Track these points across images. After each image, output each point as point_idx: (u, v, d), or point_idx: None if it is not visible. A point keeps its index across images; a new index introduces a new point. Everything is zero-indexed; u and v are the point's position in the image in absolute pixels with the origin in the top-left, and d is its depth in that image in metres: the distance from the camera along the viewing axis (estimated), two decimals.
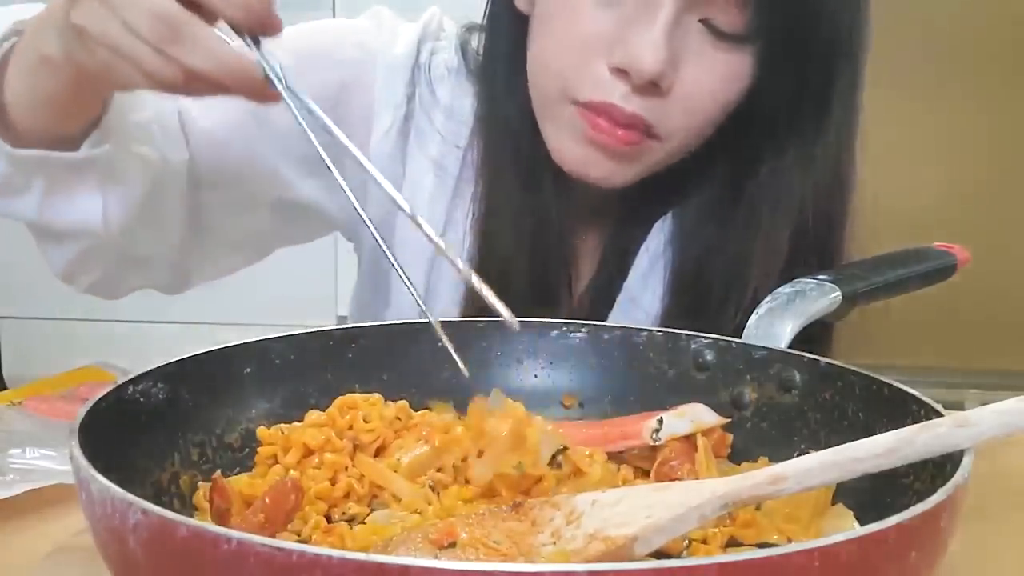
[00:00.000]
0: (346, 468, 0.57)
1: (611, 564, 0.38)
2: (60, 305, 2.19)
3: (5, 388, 1.94)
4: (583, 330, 0.68)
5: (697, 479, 0.56)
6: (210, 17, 0.57)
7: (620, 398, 0.66)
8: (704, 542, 0.52)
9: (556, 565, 0.41)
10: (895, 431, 0.46)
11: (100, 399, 0.51)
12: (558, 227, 0.87)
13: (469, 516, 0.51)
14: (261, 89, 0.57)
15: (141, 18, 0.55)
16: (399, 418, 0.60)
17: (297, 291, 2.06)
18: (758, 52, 0.77)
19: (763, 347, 0.64)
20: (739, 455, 0.62)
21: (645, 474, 0.60)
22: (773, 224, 0.83)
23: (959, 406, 0.56)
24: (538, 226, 0.87)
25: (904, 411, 0.54)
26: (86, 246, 0.79)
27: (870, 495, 0.53)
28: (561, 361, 0.68)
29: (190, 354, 0.58)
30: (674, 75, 0.75)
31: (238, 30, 0.57)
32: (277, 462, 0.58)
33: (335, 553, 0.35)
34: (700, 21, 0.75)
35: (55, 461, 0.63)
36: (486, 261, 0.87)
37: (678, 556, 0.50)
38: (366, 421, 0.59)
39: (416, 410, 0.63)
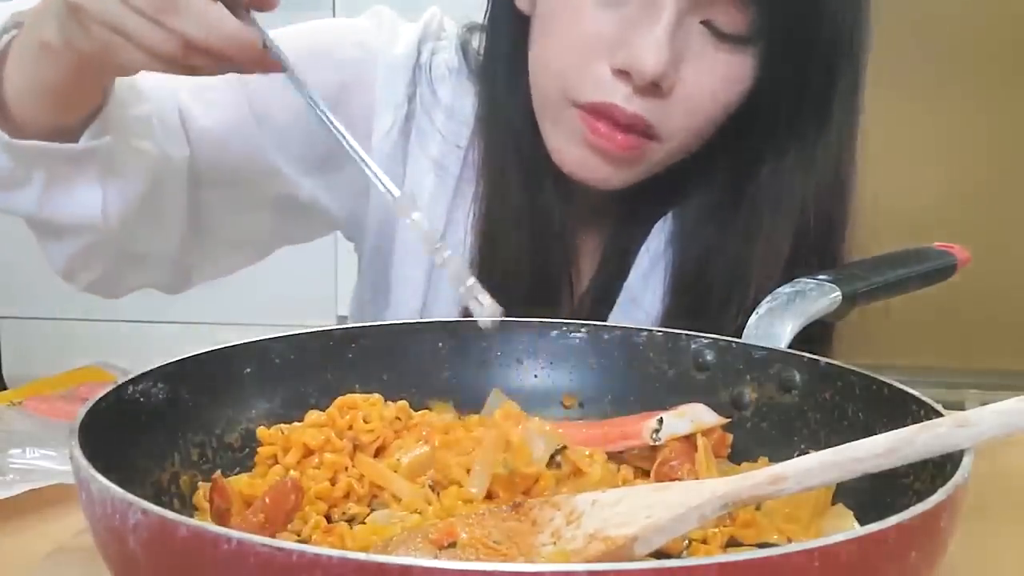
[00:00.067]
0: (346, 468, 0.57)
1: (611, 564, 0.38)
2: (60, 305, 2.19)
3: (5, 388, 1.94)
4: (583, 330, 0.68)
5: (697, 479, 0.56)
6: None
7: (620, 398, 0.66)
8: (704, 542, 0.52)
9: (556, 565, 0.42)
10: (895, 431, 0.46)
11: (100, 399, 0.51)
12: (559, 227, 0.88)
13: (469, 516, 0.51)
14: (260, 58, 0.57)
15: None
16: (399, 418, 0.60)
17: (297, 291, 2.06)
18: (759, 53, 0.77)
19: (763, 347, 0.64)
20: (739, 455, 0.62)
21: (645, 474, 0.60)
22: (774, 225, 0.83)
23: (959, 406, 0.56)
24: (539, 226, 0.87)
25: (904, 411, 0.54)
26: (86, 242, 0.79)
27: (870, 495, 0.53)
28: (561, 361, 0.68)
29: (190, 354, 0.58)
30: (675, 76, 0.75)
31: (233, 3, 0.57)
32: (277, 462, 0.58)
33: (335, 553, 0.35)
34: (702, 22, 0.75)
35: (55, 461, 0.63)
36: (487, 261, 0.87)
37: (678, 556, 0.50)
38: (366, 421, 0.59)
39: (416, 410, 0.63)
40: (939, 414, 0.51)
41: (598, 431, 0.62)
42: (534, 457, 0.56)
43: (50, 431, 0.67)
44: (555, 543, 0.47)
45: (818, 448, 0.49)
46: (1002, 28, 2.35)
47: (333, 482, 0.56)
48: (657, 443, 0.60)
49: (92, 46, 0.61)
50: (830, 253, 0.85)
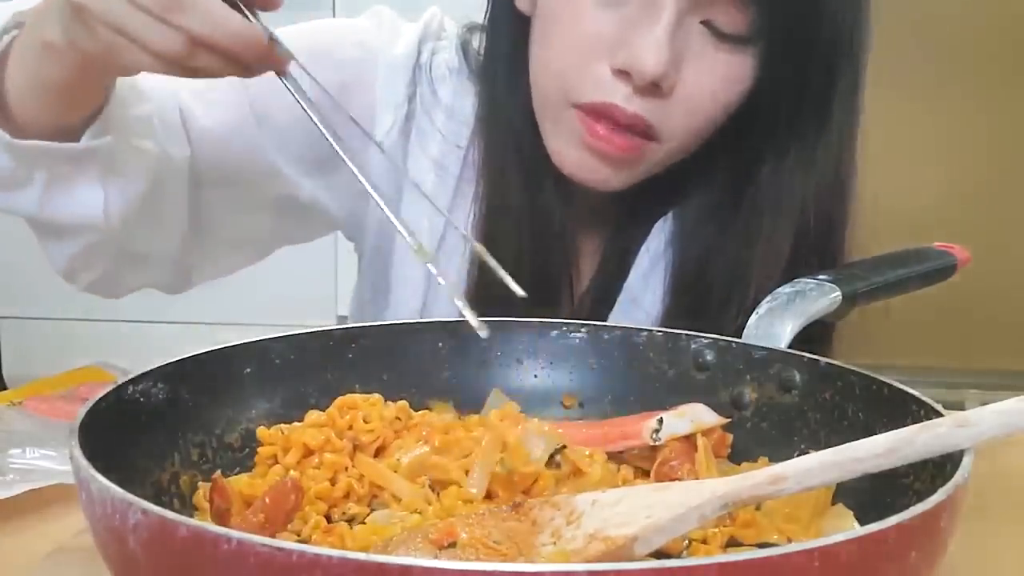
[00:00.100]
0: (346, 468, 0.57)
1: (611, 564, 0.38)
2: (60, 305, 2.19)
3: (5, 388, 1.94)
4: (583, 330, 0.68)
5: (697, 479, 0.56)
6: None
7: (620, 398, 0.66)
8: (704, 542, 0.52)
9: (556, 565, 0.41)
10: (895, 431, 0.46)
11: (100, 399, 0.51)
12: (559, 227, 0.88)
13: (469, 516, 0.51)
14: (267, 55, 0.57)
15: None
16: (399, 418, 0.60)
17: (297, 291, 2.06)
18: (759, 53, 0.77)
19: (763, 347, 0.64)
20: (739, 455, 0.62)
21: (645, 474, 0.60)
22: (774, 225, 0.83)
23: (959, 406, 0.56)
24: (539, 226, 0.87)
25: (904, 411, 0.54)
26: (87, 242, 0.79)
27: (870, 495, 0.53)
28: (561, 361, 0.68)
29: (190, 354, 0.58)
30: (676, 76, 0.75)
31: (236, 2, 0.57)
32: (277, 462, 0.58)
33: (335, 553, 0.35)
34: (702, 22, 0.75)
35: (55, 461, 0.63)
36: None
37: (678, 556, 0.50)
38: (366, 421, 0.59)
39: (416, 410, 0.63)
40: (939, 414, 0.51)
41: (598, 431, 0.62)
42: (533, 457, 0.56)
43: (50, 431, 0.67)
44: (555, 543, 0.47)
45: (818, 448, 0.49)
46: (1002, 28, 2.35)
47: (333, 482, 0.56)
48: (657, 443, 0.60)
49: (96, 47, 0.61)
50: (830, 253, 0.85)
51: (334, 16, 2.04)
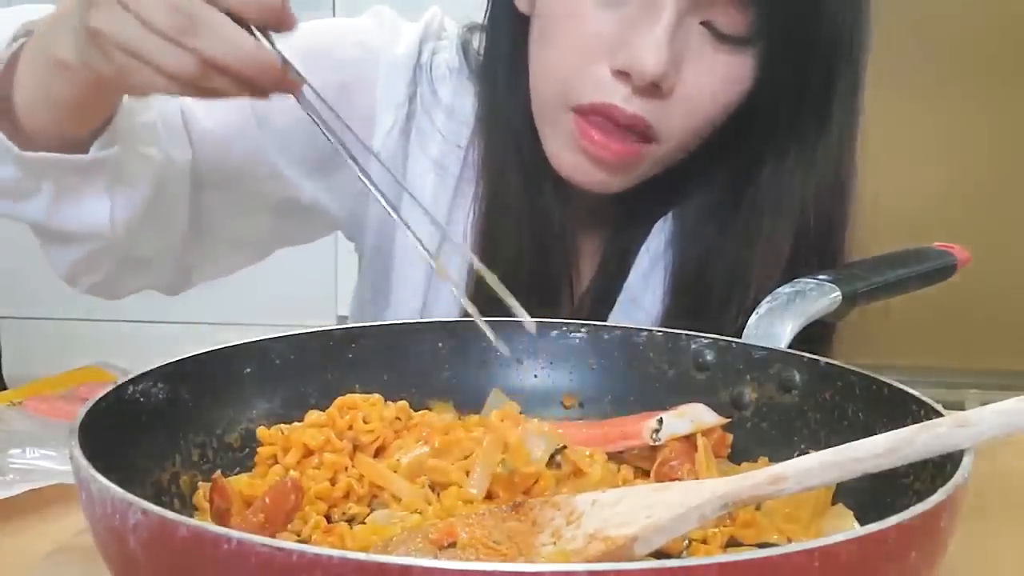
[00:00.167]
0: (346, 468, 0.57)
1: (611, 564, 0.38)
2: (60, 305, 2.19)
3: (5, 388, 1.93)
4: (583, 330, 0.68)
5: (697, 479, 0.56)
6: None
7: (620, 398, 0.66)
8: (704, 542, 0.52)
9: (556, 565, 0.41)
10: (895, 431, 0.46)
11: (100, 399, 0.51)
12: (559, 227, 0.88)
13: (469, 516, 0.51)
14: (279, 78, 0.57)
15: (156, 11, 0.54)
16: (399, 418, 0.60)
17: (297, 291, 2.06)
18: (759, 54, 0.77)
19: (763, 347, 0.64)
20: (739, 455, 0.62)
21: (645, 474, 0.60)
22: (774, 226, 0.83)
23: (959, 406, 0.56)
24: (539, 226, 0.87)
25: (904, 411, 0.54)
26: (92, 248, 0.79)
27: (870, 495, 0.53)
28: (561, 361, 0.68)
29: (190, 354, 0.58)
30: (675, 77, 0.75)
31: (251, 25, 0.57)
32: (277, 462, 0.58)
33: (335, 553, 0.35)
34: (701, 23, 0.75)
35: (55, 461, 0.63)
36: (487, 261, 0.86)
37: (678, 556, 0.50)
38: (366, 422, 0.59)
39: (416, 410, 0.63)
40: (939, 414, 0.51)
41: (598, 431, 0.62)
42: (533, 457, 0.56)
43: (50, 431, 0.67)
44: (555, 543, 0.47)
45: (818, 448, 0.49)
46: (1002, 28, 2.35)
47: (333, 482, 0.56)
48: (657, 443, 0.60)
49: (109, 68, 0.60)
50: (830, 253, 0.85)
51: (334, 16, 2.04)
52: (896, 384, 0.56)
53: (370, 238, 0.94)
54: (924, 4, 2.27)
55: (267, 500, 0.52)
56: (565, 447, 0.57)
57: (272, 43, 0.56)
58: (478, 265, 0.57)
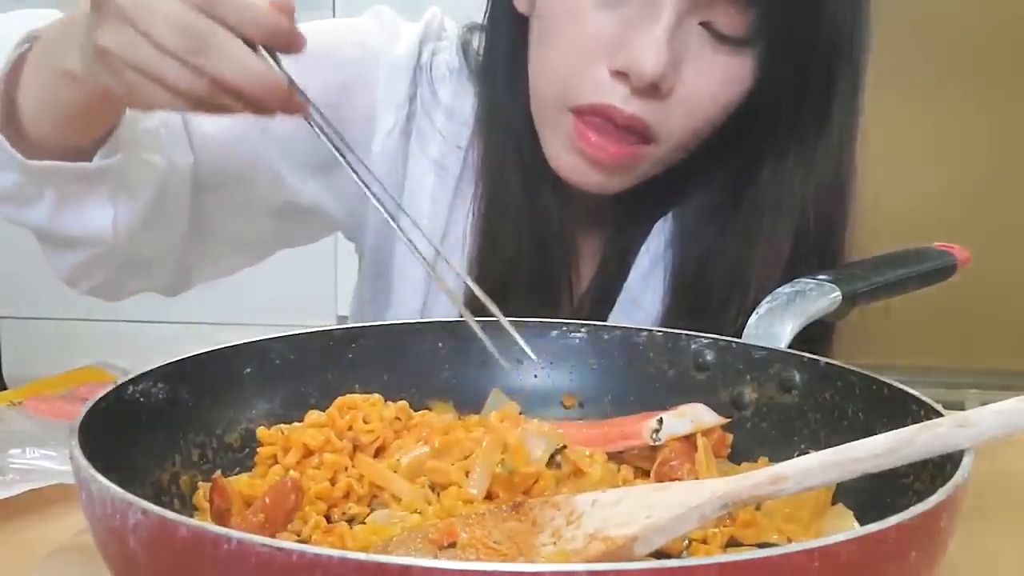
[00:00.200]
0: (346, 468, 0.57)
1: (611, 564, 0.38)
2: (60, 305, 2.19)
3: (5, 388, 1.94)
4: (583, 330, 0.68)
5: (697, 479, 0.56)
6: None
7: (620, 398, 0.66)
8: (704, 542, 0.52)
9: (556, 565, 0.42)
10: (895, 431, 0.46)
11: (100, 399, 0.51)
12: (558, 227, 0.88)
13: (469, 516, 0.51)
14: (287, 98, 0.56)
15: (166, 31, 0.54)
16: (399, 418, 0.60)
17: (297, 291, 2.06)
18: (759, 54, 0.77)
19: (763, 347, 0.64)
20: (739, 455, 0.62)
21: (645, 474, 0.60)
22: (774, 226, 0.83)
23: (959, 406, 0.56)
24: (538, 227, 0.87)
25: (904, 411, 0.54)
26: (93, 253, 0.79)
27: (870, 495, 0.53)
28: (561, 361, 0.68)
29: (190, 354, 0.58)
30: (675, 78, 0.75)
31: (258, 46, 0.56)
32: (277, 462, 0.58)
33: (335, 553, 0.35)
34: (701, 24, 0.75)
35: (55, 461, 0.63)
36: (486, 262, 0.87)
37: (678, 556, 0.50)
38: (366, 422, 0.59)
39: (416, 410, 0.63)
40: (939, 414, 0.51)
41: (598, 431, 0.62)
42: (533, 457, 0.56)
43: (50, 431, 0.67)
44: (555, 543, 0.47)
45: (818, 448, 0.49)
46: (1002, 28, 2.35)
47: (333, 482, 0.56)
48: (657, 443, 0.60)
49: (118, 84, 0.60)
50: (830, 253, 0.85)
51: (334, 16, 2.04)
52: (896, 384, 0.56)
53: (370, 239, 0.94)
54: (924, 4, 2.27)
55: (267, 500, 0.52)
56: (565, 447, 0.57)
57: (280, 64, 0.56)
58: (479, 294, 0.57)
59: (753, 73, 0.78)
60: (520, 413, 0.64)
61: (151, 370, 0.56)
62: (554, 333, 0.68)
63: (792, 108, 0.81)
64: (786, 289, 0.71)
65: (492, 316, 0.59)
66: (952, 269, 0.85)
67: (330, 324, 0.73)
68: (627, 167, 0.80)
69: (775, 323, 0.68)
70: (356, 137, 0.88)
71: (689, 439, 0.60)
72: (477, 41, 0.90)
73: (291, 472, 0.56)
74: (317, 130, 0.58)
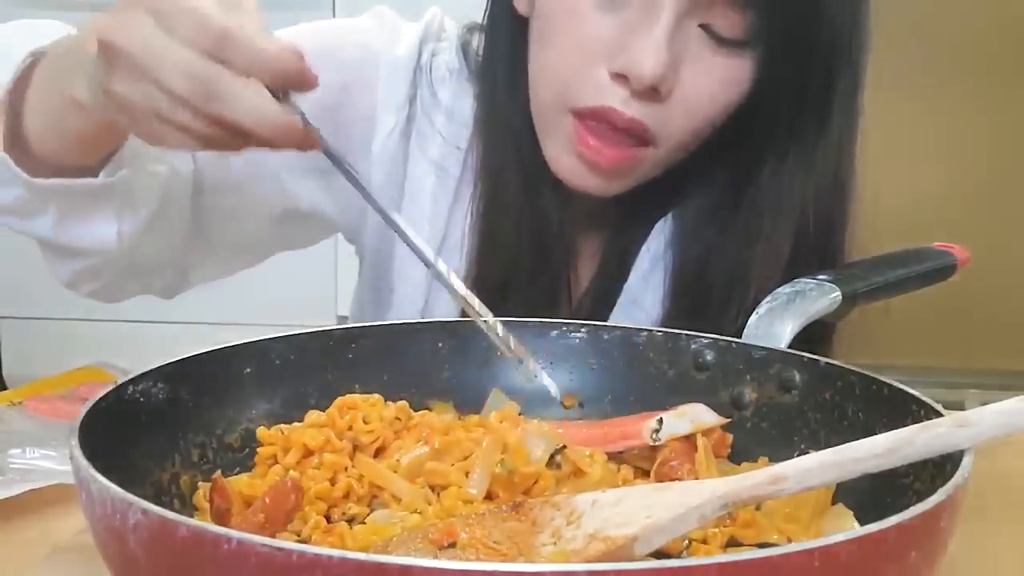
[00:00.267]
0: (346, 468, 0.57)
1: (611, 564, 0.38)
2: (60, 305, 2.19)
3: (5, 388, 1.94)
4: (583, 330, 0.68)
5: (697, 479, 0.56)
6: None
7: (620, 398, 0.66)
8: (704, 542, 0.52)
9: (556, 565, 0.42)
10: (895, 431, 0.46)
11: (100, 399, 0.51)
12: (558, 228, 0.87)
13: (469, 516, 0.51)
14: (301, 138, 0.56)
15: (176, 78, 0.53)
16: (399, 419, 0.60)
17: (297, 291, 2.06)
18: (758, 56, 0.77)
19: (763, 347, 0.64)
20: (739, 455, 0.62)
21: (645, 474, 0.60)
22: (774, 226, 0.83)
23: (959, 406, 0.56)
24: (538, 227, 0.87)
25: (904, 411, 0.54)
26: (96, 261, 0.79)
27: (870, 495, 0.53)
28: (561, 361, 0.68)
29: (190, 354, 0.58)
30: (674, 80, 0.75)
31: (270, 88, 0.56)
32: (277, 462, 0.58)
33: (335, 553, 0.35)
34: (700, 26, 0.75)
35: (55, 461, 0.63)
36: (485, 262, 0.87)
37: (678, 556, 0.50)
38: (366, 422, 0.59)
39: (416, 410, 0.63)
40: (939, 414, 0.51)
41: (598, 431, 0.62)
42: (533, 457, 0.56)
43: (50, 431, 0.67)
44: (555, 543, 0.47)
45: (818, 448, 0.49)
46: (1002, 28, 2.35)
47: (333, 482, 0.56)
48: (657, 443, 0.60)
49: (131, 126, 0.59)
50: (830, 253, 0.85)
51: (334, 16, 2.04)
52: (896, 384, 0.56)
53: (371, 240, 0.94)
54: (924, 4, 2.27)
55: (267, 500, 0.52)
56: (565, 447, 0.57)
57: (292, 103, 0.55)
58: (479, 308, 0.57)
59: (752, 74, 0.78)
60: (520, 413, 0.64)
61: (151, 370, 0.56)
62: (554, 333, 0.68)
63: (792, 109, 0.81)
64: (786, 289, 0.71)
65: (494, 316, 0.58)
66: (952, 269, 0.85)
67: (330, 324, 0.73)
68: (625, 171, 0.80)
69: (775, 323, 0.68)
70: (356, 137, 0.88)
71: (689, 439, 0.60)
72: (477, 42, 0.90)
73: (291, 472, 0.56)
74: (333, 161, 0.57)
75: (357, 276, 1.00)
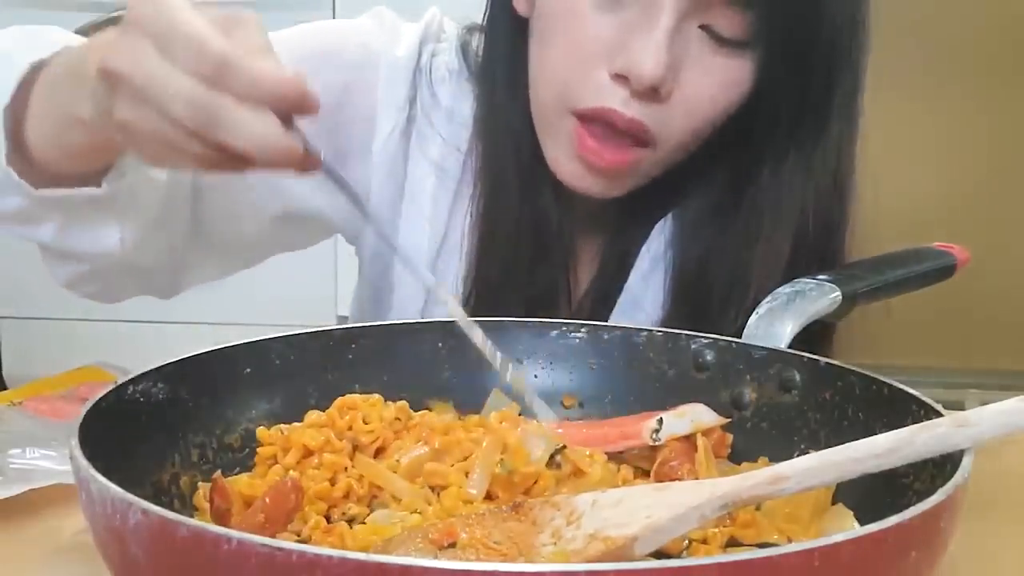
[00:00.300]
0: (346, 468, 0.57)
1: (611, 564, 0.38)
2: (60, 305, 2.18)
3: (5, 388, 1.93)
4: (583, 330, 0.68)
5: (697, 479, 0.56)
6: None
7: (620, 398, 0.66)
8: (704, 542, 0.52)
9: (556, 565, 0.42)
10: (895, 431, 0.46)
11: (100, 399, 0.51)
12: (557, 229, 0.87)
13: (469, 516, 0.51)
14: (303, 160, 0.56)
15: (178, 106, 0.53)
16: (399, 419, 0.60)
17: (297, 291, 2.05)
18: (758, 57, 0.77)
19: (763, 347, 0.64)
20: (739, 455, 0.62)
21: (645, 474, 0.60)
22: (774, 227, 0.83)
23: (959, 406, 0.56)
24: (537, 228, 0.87)
25: (904, 411, 0.54)
26: (96, 265, 0.79)
27: (870, 495, 0.53)
28: (561, 361, 0.68)
29: (190, 354, 0.58)
30: (674, 81, 0.75)
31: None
32: (277, 462, 0.58)
33: (335, 553, 0.35)
34: (701, 27, 0.75)
35: (55, 461, 0.63)
36: (485, 263, 0.87)
37: (678, 556, 0.50)
38: (366, 422, 0.59)
39: (416, 410, 0.63)
40: (939, 414, 0.51)
41: (598, 431, 0.62)
42: (533, 457, 0.56)
43: (50, 431, 0.67)
44: (555, 543, 0.47)
45: (818, 448, 0.50)
46: (1002, 28, 2.35)
47: (333, 482, 0.56)
48: (657, 443, 0.60)
49: (135, 148, 0.59)
50: (830, 253, 0.85)
51: (334, 16, 2.04)
52: (896, 384, 0.56)
53: (371, 242, 0.94)
54: (924, 4, 2.27)
55: (267, 500, 0.52)
56: (565, 447, 0.57)
57: (296, 128, 0.55)
58: (462, 319, 0.56)
59: (753, 75, 0.78)
60: (520, 413, 0.64)
61: (151, 370, 0.56)
62: (554, 333, 0.68)
63: (792, 109, 0.81)
64: (786, 289, 0.71)
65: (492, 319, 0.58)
66: (952, 269, 0.85)
67: (330, 324, 0.73)
68: (625, 172, 0.79)
69: (775, 323, 0.68)
70: (357, 138, 0.88)
71: (689, 439, 0.60)
72: (476, 42, 0.90)
73: (291, 472, 0.56)
74: (334, 183, 0.57)
75: (357, 276, 1.00)
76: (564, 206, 0.87)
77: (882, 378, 0.57)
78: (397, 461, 0.57)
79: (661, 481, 0.57)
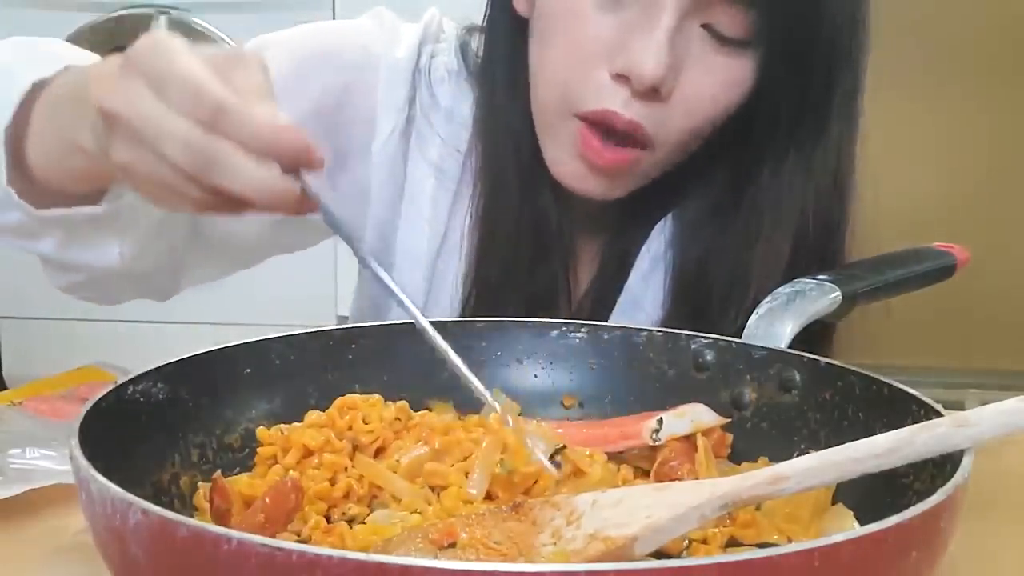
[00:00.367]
0: (345, 468, 0.57)
1: (611, 564, 0.38)
2: (60, 305, 2.18)
3: (5, 388, 1.94)
4: (583, 330, 0.68)
5: (697, 479, 0.56)
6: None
7: (620, 398, 0.66)
8: (704, 542, 0.52)
9: (556, 565, 0.42)
10: (895, 431, 0.46)
11: (100, 399, 0.51)
12: (557, 229, 0.87)
13: (469, 516, 0.51)
14: (300, 204, 0.56)
15: (175, 149, 0.53)
16: (399, 419, 0.60)
17: (297, 291, 2.05)
18: (759, 55, 0.77)
19: (763, 347, 0.64)
20: (739, 455, 0.62)
21: (645, 474, 0.60)
22: (774, 227, 0.83)
23: (959, 406, 0.56)
24: (537, 229, 0.86)
25: (904, 411, 0.54)
26: (95, 275, 0.79)
27: (870, 495, 0.53)
28: (561, 361, 0.68)
29: (190, 354, 0.58)
30: (675, 80, 0.75)
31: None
32: (277, 462, 0.58)
33: (335, 553, 0.35)
34: (702, 26, 0.75)
35: (55, 461, 0.63)
36: (485, 263, 0.87)
37: (678, 556, 0.50)
38: (366, 422, 0.59)
39: (416, 410, 0.63)
40: (939, 414, 0.51)
41: (598, 431, 0.62)
42: (533, 457, 0.56)
43: (50, 431, 0.67)
44: (555, 543, 0.47)
45: (818, 448, 0.50)
46: (1002, 28, 2.35)
47: (333, 482, 0.56)
48: (657, 443, 0.60)
49: (133, 186, 0.59)
50: (830, 254, 0.85)
51: (334, 16, 2.04)
52: (896, 384, 0.56)
53: (370, 242, 0.94)
54: (924, 4, 2.27)
55: (267, 500, 0.52)
56: (565, 447, 0.57)
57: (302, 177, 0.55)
58: (441, 344, 0.56)
59: (753, 74, 0.78)
60: (520, 413, 0.64)
61: (151, 370, 0.56)
62: (554, 333, 0.68)
63: (792, 109, 0.81)
64: (786, 289, 0.71)
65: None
66: (952, 269, 0.85)
67: (330, 324, 0.73)
68: (623, 172, 0.79)
69: (775, 323, 0.68)
70: (356, 139, 0.88)
71: (689, 439, 0.60)
72: (476, 43, 0.90)
73: (291, 472, 0.56)
74: (334, 228, 0.57)
75: (357, 276, 1.00)
76: (564, 206, 0.87)
77: (882, 378, 0.57)
78: (397, 461, 0.57)
79: (661, 481, 0.57)
